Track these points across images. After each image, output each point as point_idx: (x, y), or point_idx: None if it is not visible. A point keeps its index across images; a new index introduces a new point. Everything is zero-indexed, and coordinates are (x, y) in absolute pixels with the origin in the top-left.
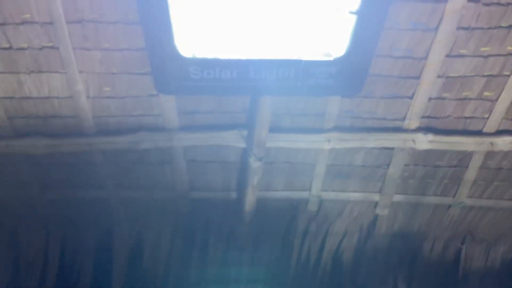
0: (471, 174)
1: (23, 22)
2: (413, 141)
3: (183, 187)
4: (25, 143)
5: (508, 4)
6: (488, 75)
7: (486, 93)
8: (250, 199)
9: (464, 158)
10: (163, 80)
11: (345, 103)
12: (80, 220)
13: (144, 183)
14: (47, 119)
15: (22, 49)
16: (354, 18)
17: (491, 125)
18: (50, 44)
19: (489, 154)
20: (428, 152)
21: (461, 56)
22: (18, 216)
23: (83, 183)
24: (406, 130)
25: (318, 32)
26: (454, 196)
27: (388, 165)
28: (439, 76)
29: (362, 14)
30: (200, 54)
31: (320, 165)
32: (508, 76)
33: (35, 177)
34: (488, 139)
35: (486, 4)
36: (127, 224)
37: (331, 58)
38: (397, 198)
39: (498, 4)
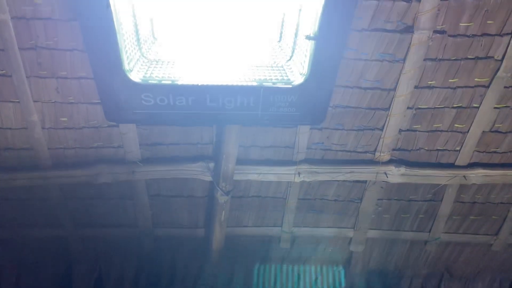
0: (445, 208)
1: None
2: (385, 174)
3: (146, 223)
4: None
5: (473, 35)
6: (457, 107)
7: (456, 125)
8: (218, 236)
9: (438, 191)
10: (112, 108)
11: (315, 135)
12: (36, 261)
13: (104, 220)
14: (0, 152)
15: None
16: (311, 43)
17: (463, 158)
18: (3, 72)
19: (463, 188)
20: (401, 185)
21: (430, 87)
22: None
23: (38, 221)
24: (377, 163)
25: (277, 58)
26: (430, 231)
27: (361, 199)
28: (409, 108)
29: (320, 40)
30: (153, 80)
31: (291, 199)
32: (477, 108)
33: None
34: (460, 172)
35: (452, 36)
36: (87, 264)
37: (291, 86)
38: (372, 234)
39: (464, 35)
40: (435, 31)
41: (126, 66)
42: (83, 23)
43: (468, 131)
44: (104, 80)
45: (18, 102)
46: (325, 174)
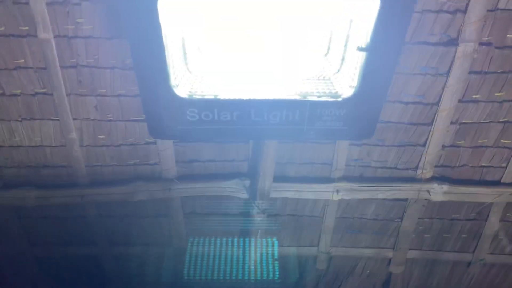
0: (491, 228)
1: (16, 68)
2: (428, 192)
3: (181, 242)
4: (14, 194)
5: None
6: (504, 121)
7: (503, 141)
8: (253, 255)
9: (482, 210)
10: (157, 124)
11: (354, 151)
12: (72, 279)
13: (139, 238)
14: (39, 169)
15: (14, 95)
16: (363, 55)
17: (510, 175)
18: (44, 90)
19: (510, 206)
20: (443, 203)
21: (475, 101)
22: (3, 274)
23: (74, 238)
24: (419, 180)
25: (325, 71)
26: (473, 252)
27: (401, 218)
28: (452, 123)
29: (372, 51)
30: (198, 95)
31: (328, 218)
32: None
33: (23, 231)
34: (507, 190)
35: (499, 48)
36: (122, 283)
37: (340, 99)
38: (412, 254)
39: (511, 47)
40: (481, 43)
41: (173, 82)
42: (132, 40)
43: None
44: (150, 96)
45: (58, 120)
46: (364, 192)
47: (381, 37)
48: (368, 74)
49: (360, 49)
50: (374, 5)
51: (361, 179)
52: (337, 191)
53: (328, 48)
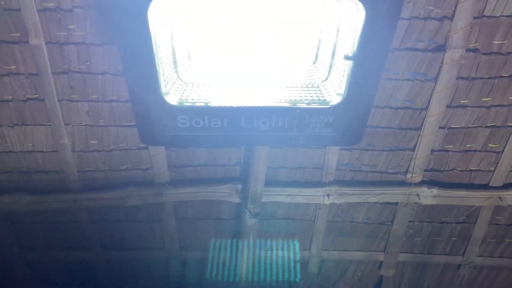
0: (480, 230)
1: (8, 74)
2: (417, 195)
3: (173, 246)
4: (5, 199)
5: (508, 53)
6: (491, 126)
7: (490, 145)
8: (245, 259)
9: (471, 213)
10: (148, 130)
11: (345, 155)
12: (64, 284)
13: (131, 243)
14: (30, 174)
15: (6, 101)
16: (350, 63)
17: (498, 178)
18: (35, 96)
19: (498, 209)
20: (433, 207)
21: (463, 106)
22: None
23: (67, 243)
24: (409, 184)
25: (313, 79)
26: (463, 255)
27: (392, 222)
28: (441, 127)
29: (358, 59)
30: (189, 102)
31: (320, 222)
32: None
33: (15, 237)
34: (495, 193)
35: (485, 54)
36: (114, 287)
37: (328, 106)
38: (403, 257)
39: (498, 53)
40: (468, 50)
41: (163, 89)
42: (122, 48)
43: (502, 151)
44: (141, 103)
45: (50, 125)
46: (355, 196)
47: (367, 46)
48: (355, 82)
49: (347, 57)
50: (360, 15)
51: (352, 183)
52: (328, 195)
53: (316, 56)
